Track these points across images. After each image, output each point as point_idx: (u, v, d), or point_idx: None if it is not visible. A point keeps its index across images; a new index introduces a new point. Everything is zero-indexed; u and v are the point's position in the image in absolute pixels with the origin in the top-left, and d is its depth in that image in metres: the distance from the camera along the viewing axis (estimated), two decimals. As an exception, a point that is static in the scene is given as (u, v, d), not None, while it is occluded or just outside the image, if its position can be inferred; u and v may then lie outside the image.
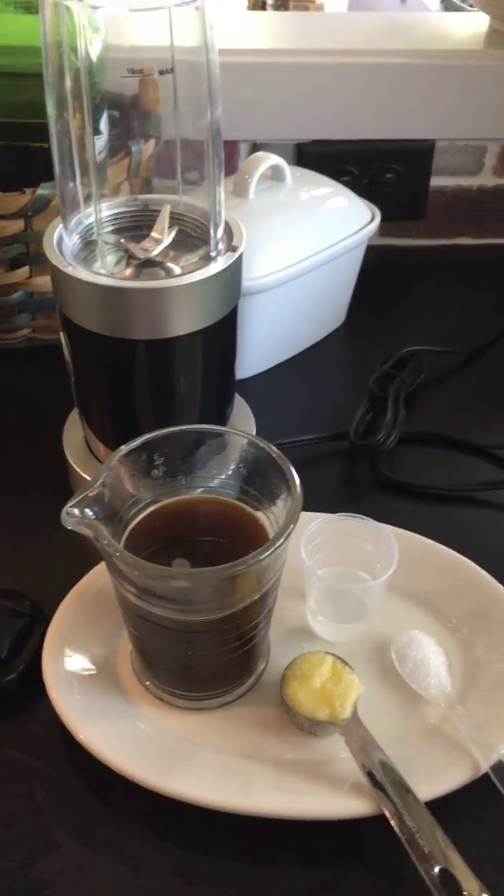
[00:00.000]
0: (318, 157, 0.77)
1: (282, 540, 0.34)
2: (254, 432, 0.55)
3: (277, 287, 0.59)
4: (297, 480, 0.37)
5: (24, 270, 0.59)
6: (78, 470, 0.52)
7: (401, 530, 0.48)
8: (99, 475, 0.37)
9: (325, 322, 0.69)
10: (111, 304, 0.42)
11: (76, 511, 0.35)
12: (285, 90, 0.74)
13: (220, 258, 0.43)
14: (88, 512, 0.35)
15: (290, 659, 0.42)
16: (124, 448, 0.38)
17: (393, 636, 0.44)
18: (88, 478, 0.51)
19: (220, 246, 0.44)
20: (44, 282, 0.60)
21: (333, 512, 0.48)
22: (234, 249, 0.44)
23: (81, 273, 0.42)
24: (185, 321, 0.43)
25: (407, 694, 0.42)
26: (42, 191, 0.54)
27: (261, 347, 0.63)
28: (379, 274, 0.74)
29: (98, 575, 0.46)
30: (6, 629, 0.43)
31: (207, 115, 0.39)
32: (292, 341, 0.67)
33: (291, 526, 0.35)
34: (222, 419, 0.51)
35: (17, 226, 0.56)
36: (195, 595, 0.35)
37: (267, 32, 0.83)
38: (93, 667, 0.42)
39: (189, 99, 0.41)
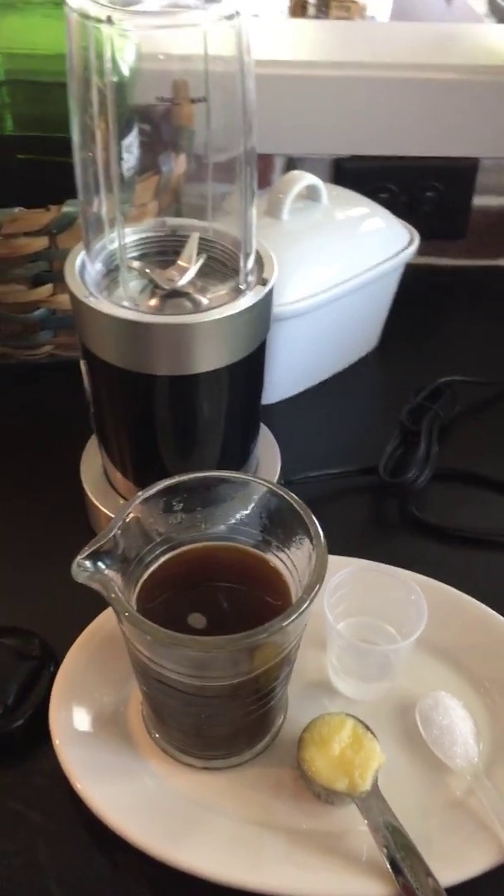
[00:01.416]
0: (356, 172, 0.75)
1: (305, 605, 0.32)
2: (279, 466, 0.53)
3: (309, 312, 0.57)
4: (323, 538, 0.35)
5: (48, 288, 0.57)
6: (95, 501, 0.50)
7: (430, 580, 0.46)
8: (113, 524, 0.35)
9: (356, 347, 0.67)
10: (133, 338, 0.40)
11: (88, 563, 0.33)
12: (324, 103, 0.71)
13: (249, 292, 0.41)
14: (101, 564, 0.34)
15: (309, 715, 0.40)
16: (141, 494, 0.36)
17: (418, 697, 0.42)
18: (104, 509, 0.49)
19: (250, 278, 0.42)
20: (66, 299, 0.58)
21: (357, 552, 0.46)
22: (264, 283, 0.42)
23: (103, 305, 0.40)
24: (210, 357, 0.41)
25: (430, 761, 0.40)
26: (67, 208, 0.53)
27: (289, 373, 0.61)
28: (415, 294, 0.71)
29: (111, 615, 0.44)
30: (14, 673, 0.41)
31: (240, 145, 0.37)
32: (322, 367, 0.64)
33: (317, 587, 0.33)
34: (246, 454, 0.49)
35: (41, 243, 0.54)
36: (211, 663, 0.33)
37: (308, 42, 0.80)
38: (102, 717, 0.40)
39: (223, 123, 0.39)
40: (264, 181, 0.77)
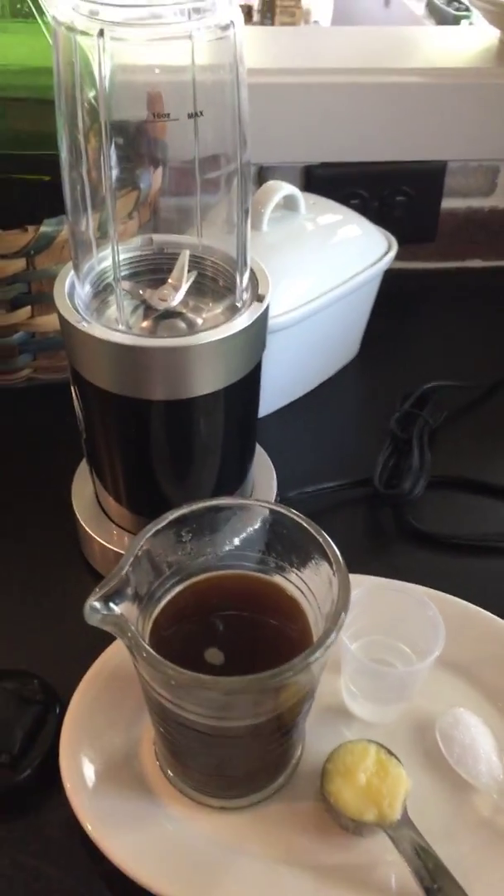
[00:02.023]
0: (326, 179, 0.74)
1: (332, 636, 0.31)
2: (274, 483, 0.52)
3: (293, 325, 0.56)
4: (343, 562, 0.34)
5: (26, 310, 0.55)
6: (88, 529, 0.48)
7: (437, 593, 0.45)
8: (124, 562, 0.33)
9: (339, 356, 0.66)
10: (129, 363, 0.38)
11: (100, 605, 0.32)
12: (292, 111, 0.71)
13: (245, 310, 0.40)
14: (113, 605, 0.32)
15: (326, 743, 0.39)
16: (150, 528, 0.34)
17: (436, 715, 0.41)
18: (98, 538, 0.48)
19: (246, 296, 0.41)
20: (46, 322, 0.56)
21: (357, 567, 0.44)
22: (260, 299, 0.40)
23: (97, 330, 0.38)
24: (207, 380, 0.39)
25: (454, 781, 0.39)
26: (46, 228, 0.51)
27: (273, 387, 0.60)
28: (388, 299, 0.71)
29: (115, 652, 0.42)
30: (18, 720, 0.39)
31: (235, 159, 0.36)
32: (305, 379, 0.63)
33: (342, 615, 0.32)
34: (243, 475, 0.48)
35: (19, 265, 0.52)
36: (234, 704, 0.31)
37: (265, 50, 0.79)
38: (114, 760, 0.39)
39: (213, 136, 0.38)
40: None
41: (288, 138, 0.71)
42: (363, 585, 0.41)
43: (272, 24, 2.58)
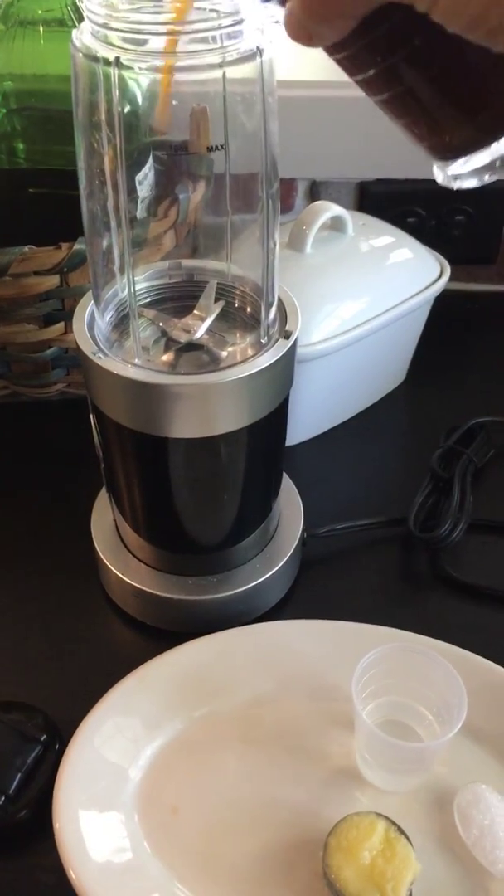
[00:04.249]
0: (382, 196, 0.71)
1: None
2: (301, 518, 0.49)
3: (334, 353, 0.53)
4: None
5: (59, 326, 0.54)
6: (105, 560, 0.47)
7: (469, 655, 0.42)
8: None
9: (382, 384, 0.63)
10: (145, 399, 0.37)
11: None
12: (348, 126, 0.68)
13: (271, 347, 0.38)
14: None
15: (335, 806, 0.37)
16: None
17: (456, 788, 0.38)
18: (115, 570, 0.46)
19: (272, 331, 0.39)
20: (79, 338, 0.55)
21: (385, 615, 0.44)
22: (287, 336, 0.38)
23: (113, 364, 0.36)
24: (229, 418, 0.38)
25: (469, 864, 0.36)
26: (79, 245, 0.49)
27: (310, 415, 0.58)
28: (443, 323, 0.68)
29: (120, 693, 0.41)
30: (17, 758, 0.38)
31: (261, 192, 0.34)
32: (346, 406, 0.61)
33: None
34: (267, 511, 0.46)
35: (52, 281, 0.51)
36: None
37: (321, 59, 0.77)
38: (109, 810, 0.37)
39: (244, 166, 0.36)
40: (286, 205, 0.73)
41: (342, 153, 0.69)
42: (382, 647, 0.38)
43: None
